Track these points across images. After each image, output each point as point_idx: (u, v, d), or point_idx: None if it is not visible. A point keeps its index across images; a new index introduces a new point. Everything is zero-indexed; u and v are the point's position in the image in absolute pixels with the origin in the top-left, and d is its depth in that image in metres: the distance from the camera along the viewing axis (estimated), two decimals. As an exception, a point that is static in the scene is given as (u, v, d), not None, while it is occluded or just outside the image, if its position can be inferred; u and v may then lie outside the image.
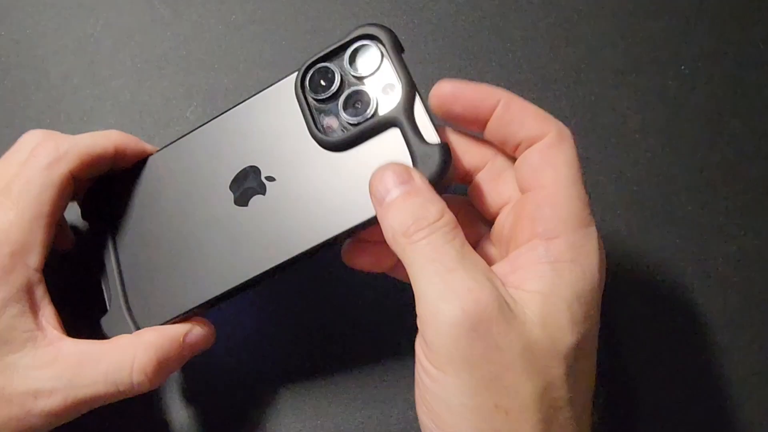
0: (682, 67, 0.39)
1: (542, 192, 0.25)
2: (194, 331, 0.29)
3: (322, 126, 0.28)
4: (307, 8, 0.40)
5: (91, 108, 0.38)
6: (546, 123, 0.26)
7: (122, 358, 0.27)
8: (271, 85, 0.30)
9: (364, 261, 0.29)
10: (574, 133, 0.26)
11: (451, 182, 0.27)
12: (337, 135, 0.28)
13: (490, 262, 0.25)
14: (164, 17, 0.40)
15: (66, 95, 0.39)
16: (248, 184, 0.29)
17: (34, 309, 0.27)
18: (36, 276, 0.28)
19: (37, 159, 0.28)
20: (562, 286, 0.23)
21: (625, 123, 0.38)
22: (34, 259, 0.28)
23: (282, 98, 0.29)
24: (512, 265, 0.25)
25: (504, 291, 0.23)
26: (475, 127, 0.27)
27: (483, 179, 0.28)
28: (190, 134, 0.31)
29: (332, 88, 0.28)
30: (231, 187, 0.29)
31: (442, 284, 0.23)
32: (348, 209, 0.27)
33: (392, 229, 0.24)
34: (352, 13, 0.40)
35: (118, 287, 0.30)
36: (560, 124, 0.26)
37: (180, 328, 0.29)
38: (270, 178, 0.29)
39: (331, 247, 0.28)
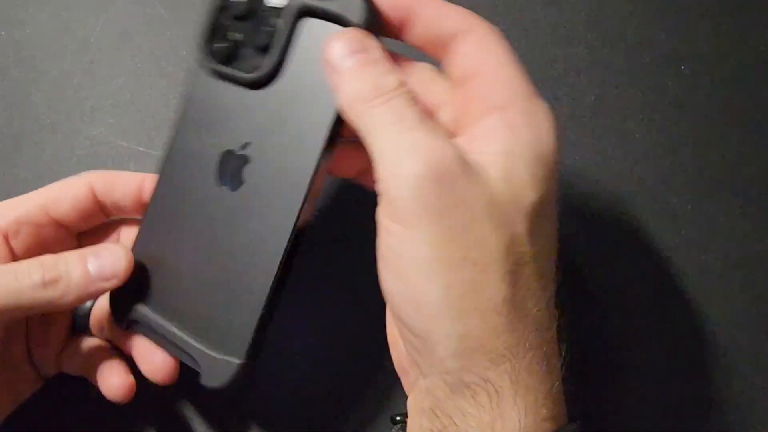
0: (682, 67, 0.39)
1: (487, 74, 0.25)
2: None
3: (246, 72, 0.28)
4: (307, 8, 0.40)
5: (91, 108, 0.38)
6: (472, 18, 0.26)
7: None
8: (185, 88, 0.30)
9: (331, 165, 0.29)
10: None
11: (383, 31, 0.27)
12: (264, 65, 0.27)
13: None
14: (164, 17, 0.40)
15: (66, 95, 0.39)
16: (231, 167, 0.28)
17: None
18: None
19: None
20: (522, 146, 0.24)
21: (625, 123, 0.38)
22: None
23: (199, 88, 0.29)
24: (468, 136, 0.25)
25: (465, 153, 0.23)
26: (396, 31, 0.27)
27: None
28: (161, 176, 0.30)
29: (227, 42, 0.28)
30: (220, 183, 0.28)
31: (404, 142, 0.23)
32: (323, 112, 0.26)
33: (349, 96, 0.24)
34: (352, 13, 0.39)
35: (195, 345, 0.28)
36: (485, 21, 0.26)
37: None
38: (244, 146, 0.28)
39: (331, 152, 0.27)
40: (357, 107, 0.24)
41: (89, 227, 0.32)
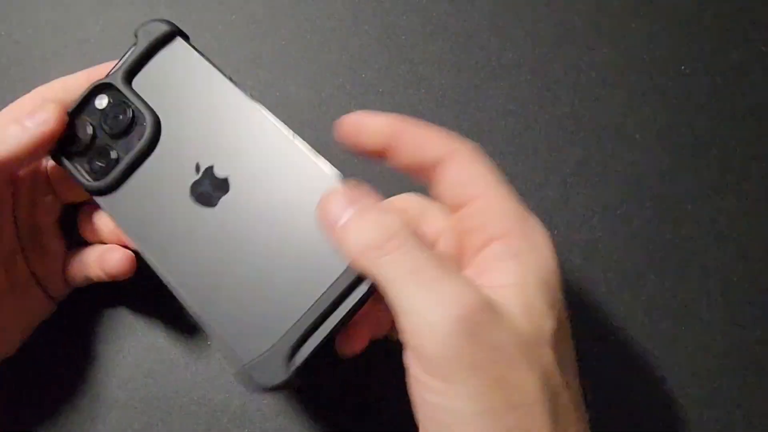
0: (682, 67, 0.39)
1: (480, 201, 0.25)
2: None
3: (136, 146, 0.29)
4: (308, 8, 0.40)
5: (91, 108, 0.38)
6: (454, 142, 0.26)
7: None
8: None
9: (363, 340, 0.28)
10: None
11: None
12: (145, 129, 0.29)
13: None
14: (164, 17, 0.40)
15: (66, 95, 0.39)
16: (206, 182, 0.28)
17: None
18: None
19: None
20: (531, 275, 0.24)
21: (625, 123, 0.38)
22: None
23: (119, 198, 0.29)
24: (476, 270, 0.25)
25: (485, 292, 0.23)
26: (380, 156, 0.27)
27: None
28: (147, 251, 0.29)
29: (100, 154, 0.30)
30: (213, 197, 0.28)
31: (430, 294, 0.23)
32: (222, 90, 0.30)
33: (359, 245, 0.24)
34: (352, 12, 0.40)
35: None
36: (464, 140, 0.26)
37: None
38: (197, 168, 0.28)
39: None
40: (369, 256, 0.24)
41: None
